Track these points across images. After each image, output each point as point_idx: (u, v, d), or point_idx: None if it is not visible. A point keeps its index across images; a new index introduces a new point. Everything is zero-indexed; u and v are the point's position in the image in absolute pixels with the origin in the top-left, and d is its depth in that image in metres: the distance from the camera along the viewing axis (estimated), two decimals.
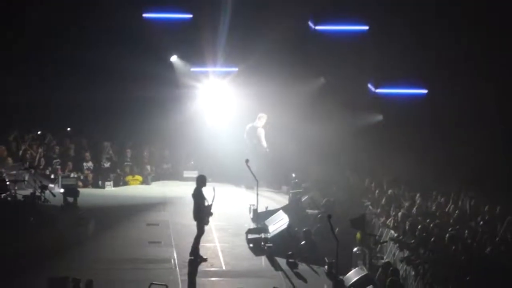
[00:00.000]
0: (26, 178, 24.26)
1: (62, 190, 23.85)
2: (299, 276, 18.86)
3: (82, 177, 27.04)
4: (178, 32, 27.51)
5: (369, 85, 28.71)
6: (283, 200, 24.87)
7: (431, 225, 19.81)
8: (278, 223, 21.22)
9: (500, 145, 25.52)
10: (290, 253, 19.51)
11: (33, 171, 24.88)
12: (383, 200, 23.00)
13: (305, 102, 27.38)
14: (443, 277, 17.09)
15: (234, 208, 23.84)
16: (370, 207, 23.05)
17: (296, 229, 21.08)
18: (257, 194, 21.94)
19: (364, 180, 25.51)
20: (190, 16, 27.77)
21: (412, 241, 19.17)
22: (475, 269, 17.02)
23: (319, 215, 21.34)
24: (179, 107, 27.58)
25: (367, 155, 27.15)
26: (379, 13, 27.52)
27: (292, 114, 26.66)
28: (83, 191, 24.36)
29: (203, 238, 19.64)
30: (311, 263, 19.51)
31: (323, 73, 28.35)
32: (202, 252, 19.54)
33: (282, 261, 19.51)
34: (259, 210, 22.22)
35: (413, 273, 18.08)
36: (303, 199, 23.68)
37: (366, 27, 28.02)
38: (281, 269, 19.17)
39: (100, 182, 27.14)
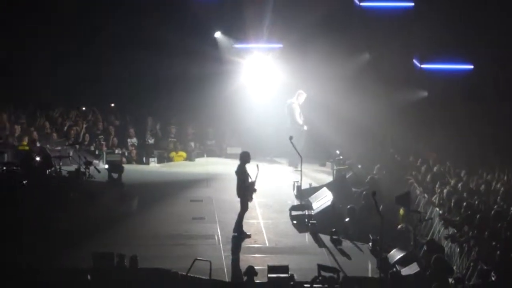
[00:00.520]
0: (71, 154, 24.28)
1: (106, 166, 23.91)
2: (343, 253, 18.78)
3: (126, 153, 27.12)
4: (222, 9, 27.43)
5: (415, 61, 28.43)
6: (326, 177, 24.69)
7: (477, 202, 19.65)
8: (322, 200, 21.12)
9: None
10: (334, 230, 19.41)
11: (77, 147, 25.02)
12: (428, 177, 22.82)
13: (350, 77, 27.17)
14: (489, 254, 16.93)
15: (278, 185, 23.67)
16: (415, 184, 22.88)
17: (340, 206, 20.99)
18: (301, 171, 21.90)
19: (408, 157, 25.33)
20: None
21: (457, 218, 19.04)
22: None
23: (363, 192, 21.21)
24: (223, 83, 27.48)
25: (411, 131, 26.94)
26: None
27: (335, 90, 26.43)
28: (127, 167, 24.48)
29: (246, 214, 19.66)
30: (355, 240, 19.44)
31: (368, 49, 28.12)
32: (246, 229, 19.56)
33: (326, 238, 19.42)
34: (303, 187, 22.19)
35: (458, 250, 17.95)
36: (347, 176, 23.54)
37: (412, 3, 27.70)
38: (325, 246, 19.09)
39: (144, 158, 27.14)
